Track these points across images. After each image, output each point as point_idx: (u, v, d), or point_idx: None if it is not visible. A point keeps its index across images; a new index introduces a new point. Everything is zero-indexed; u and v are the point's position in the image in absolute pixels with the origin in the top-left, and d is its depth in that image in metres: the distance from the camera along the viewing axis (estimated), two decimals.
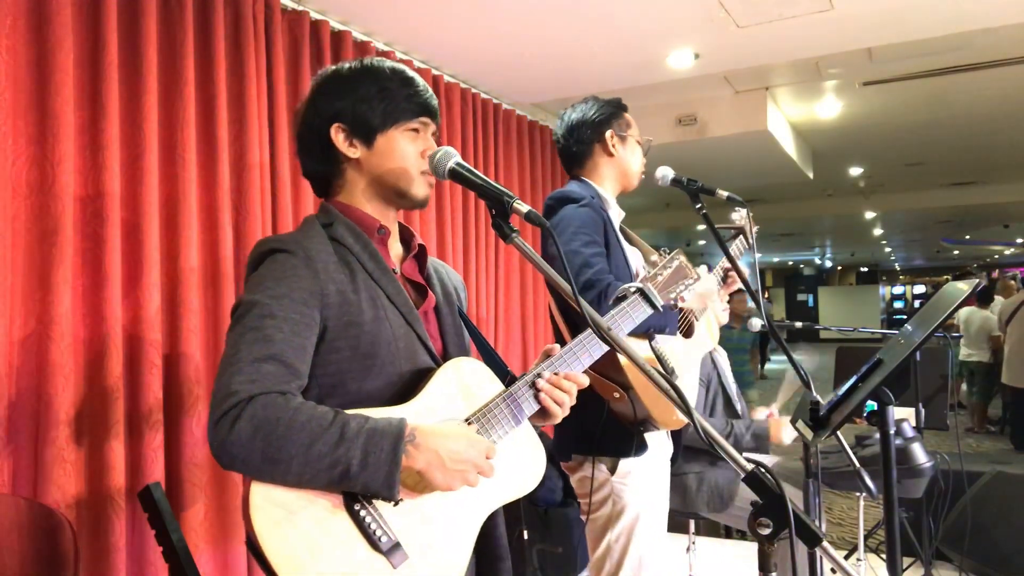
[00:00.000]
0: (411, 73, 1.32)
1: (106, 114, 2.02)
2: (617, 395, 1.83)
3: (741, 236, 2.29)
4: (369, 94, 1.27)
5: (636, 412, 1.85)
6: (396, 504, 1.13)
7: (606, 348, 1.39)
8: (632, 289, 1.53)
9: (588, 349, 1.37)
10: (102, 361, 1.97)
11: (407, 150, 1.29)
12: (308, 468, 1.05)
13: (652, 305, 1.52)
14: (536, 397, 1.28)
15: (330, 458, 1.06)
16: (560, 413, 1.30)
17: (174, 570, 1.69)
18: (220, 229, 2.32)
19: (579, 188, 2.08)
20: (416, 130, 1.31)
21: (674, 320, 1.94)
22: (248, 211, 2.43)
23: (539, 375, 1.29)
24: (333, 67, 1.35)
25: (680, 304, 1.65)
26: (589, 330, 1.37)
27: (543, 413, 1.31)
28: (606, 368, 1.84)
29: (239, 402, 1.06)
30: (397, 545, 1.12)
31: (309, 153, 1.34)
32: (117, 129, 2.05)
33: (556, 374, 1.30)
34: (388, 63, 1.32)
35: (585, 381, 1.33)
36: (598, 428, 1.91)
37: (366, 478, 1.07)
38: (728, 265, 2.18)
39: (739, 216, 2.31)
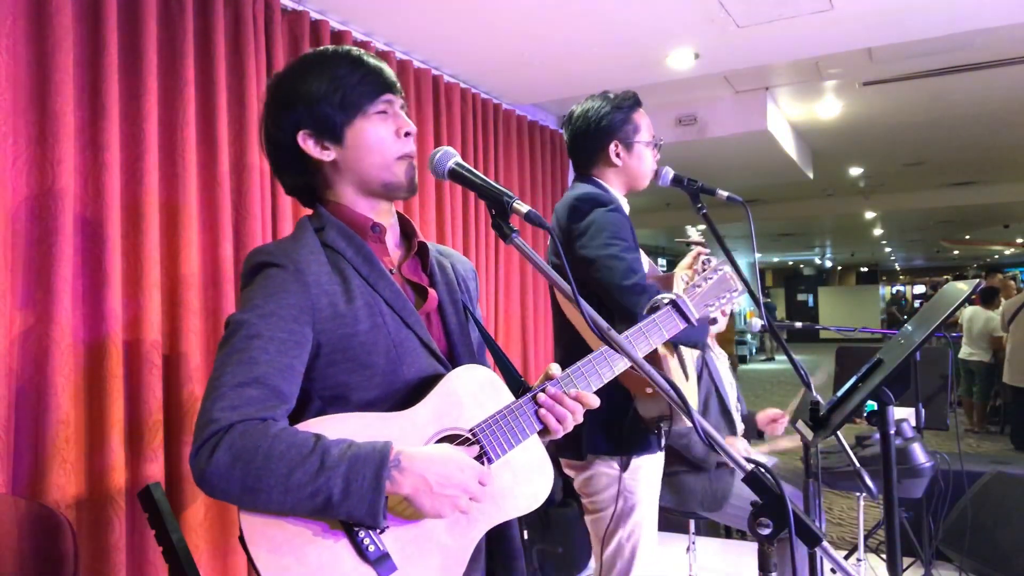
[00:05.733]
0: (357, 52, 1.26)
1: (106, 114, 2.02)
2: (650, 390, 1.82)
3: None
4: (321, 89, 1.21)
5: (668, 408, 1.84)
6: (382, 531, 1.10)
7: (624, 367, 1.34)
8: (666, 300, 1.49)
9: (598, 370, 1.31)
10: (102, 361, 1.97)
11: (380, 134, 1.24)
12: (289, 498, 1.03)
13: (685, 318, 1.48)
14: (537, 414, 1.24)
15: (311, 487, 1.03)
16: (561, 431, 1.25)
17: (174, 570, 1.69)
18: (220, 229, 2.32)
19: (602, 189, 2.07)
20: (383, 111, 1.24)
21: (703, 333, 1.91)
22: (248, 211, 2.43)
23: (542, 390, 1.25)
24: (277, 74, 1.29)
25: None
26: (601, 350, 1.33)
27: (545, 429, 1.26)
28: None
29: (218, 430, 1.04)
30: (386, 556, 1.09)
31: (285, 169, 1.29)
32: (117, 129, 2.05)
33: (565, 392, 1.25)
34: (331, 49, 1.26)
35: (595, 402, 1.27)
36: (625, 427, 1.90)
37: (349, 507, 1.04)
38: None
39: (696, 234, 2.28)
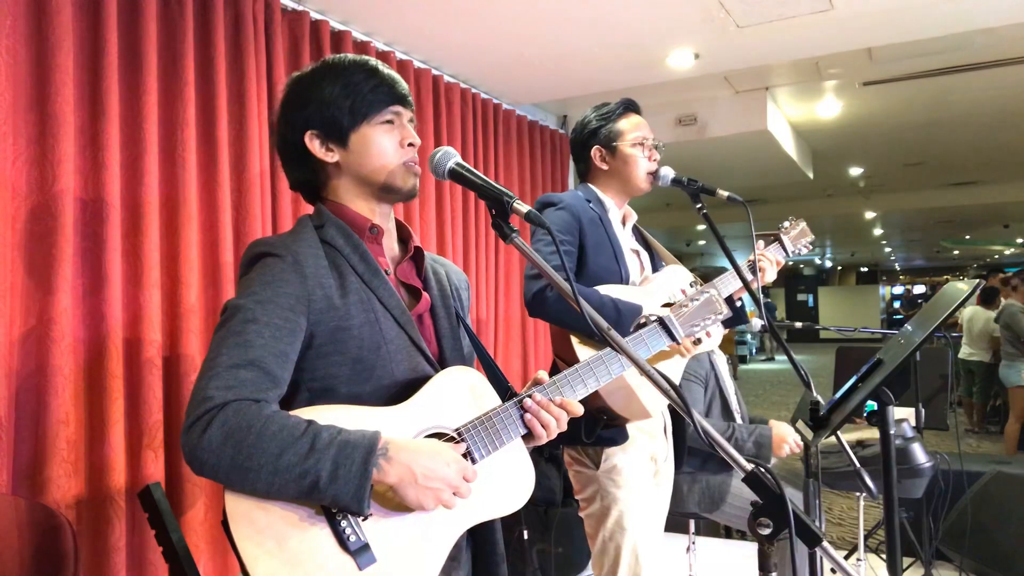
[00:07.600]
0: (374, 63, 1.30)
1: (106, 114, 2.02)
2: None
3: (776, 243, 2.25)
4: (334, 94, 1.26)
5: (604, 400, 1.86)
6: (366, 518, 1.11)
7: (608, 379, 1.38)
8: (653, 318, 1.54)
9: (584, 379, 1.34)
10: (102, 361, 1.97)
11: (383, 144, 1.28)
12: (277, 478, 1.04)
13: (671, 336, 1.52)
14: (523, 418, 1.26)
15: (299, 468, 1.04)
16: (545, 437, 1.27)
17: (174, 570, 1.69)
18: (220, 229, 2.32)
19: (570, 193, 2.12)
20: (390, 121, 1.29)
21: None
22: (248, 211, 2.43)
23: (529, 396, 1.27)
24: (296, 74, 1.34)
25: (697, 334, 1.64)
26: (587, 360, 1.36)
27: (529, 434, 1.28)
28: (562, 352, 1.88)
29: (212, 408, 1.06)
30: (366, 547, 1.10)
31: (291, 165, 1.34)
32: (117, 129, 2.05)
33: (550, 399, 1.27)
34: (350, 58, 1.31)
35: (579, 410, 1.30)
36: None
37: (335, 491, 1.05)
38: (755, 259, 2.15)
39: (789, 223, 2.28)
